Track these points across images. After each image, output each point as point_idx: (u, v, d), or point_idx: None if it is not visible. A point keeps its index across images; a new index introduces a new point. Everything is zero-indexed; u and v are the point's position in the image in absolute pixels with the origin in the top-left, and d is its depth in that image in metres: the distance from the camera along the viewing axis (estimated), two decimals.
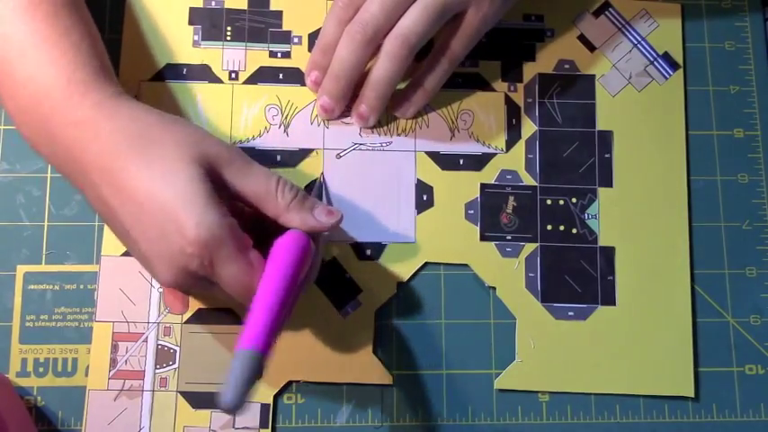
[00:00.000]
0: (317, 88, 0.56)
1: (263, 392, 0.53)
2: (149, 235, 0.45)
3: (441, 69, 0.55)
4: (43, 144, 0.48)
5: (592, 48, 0.60)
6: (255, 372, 0.41)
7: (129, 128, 0.46)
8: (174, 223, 0.44)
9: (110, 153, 0.45)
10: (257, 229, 0.48)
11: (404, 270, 0.56)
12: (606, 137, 0.59)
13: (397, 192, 0.56)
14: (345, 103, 0.56)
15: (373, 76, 0.54)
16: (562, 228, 0.57)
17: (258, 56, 0.58)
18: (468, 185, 0.57)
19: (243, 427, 0.53)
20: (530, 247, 0.57)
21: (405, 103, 0.56)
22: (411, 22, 0.52)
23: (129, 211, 0.45)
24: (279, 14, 0.59)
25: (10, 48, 0.47)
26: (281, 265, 0.45)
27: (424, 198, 0.57)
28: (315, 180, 0.56)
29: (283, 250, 0.46)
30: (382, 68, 0.53)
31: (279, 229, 0.48)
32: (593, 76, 0.60)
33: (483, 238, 0.56)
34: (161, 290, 0.54)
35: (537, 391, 0.55)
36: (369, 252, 0.56)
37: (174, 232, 0.44)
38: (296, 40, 0.59)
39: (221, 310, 0.54)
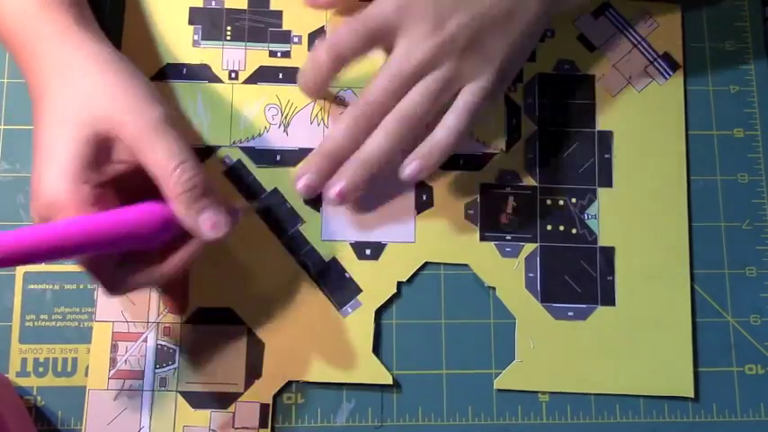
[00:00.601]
0: (307, 193, 0.54)
1: (263, 392, 0.53)
2: (33, 168, 0.45)
3: (445, 140, 0.52)
4: (18, 60, 0.49)
5: (592, 48, 0.60)
6: None
7: (64, 61, 0.46)
8: (35, 173, 0.44)
9: (47, 72, 0.47)
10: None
11: (404, 270, 0.56)
12: (606, 137, 0.59)
13: (397, 191, 0.56)
14: (326, 182, 0.53)
15: (367, 152, 0.51)
16: (562, 228, 0.57)
17: (258, 55, 0.58)
18: (468, 185, 0.57)
19: (242, 427, 0.53)
20: (529, 248, 0.57)
21: (408, 170, 0.52)
22: (412, 102, 0.51)
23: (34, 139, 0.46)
24: (279, 14, 0.59)
25: None
26: (112, 213, 0.43)
27: (424, 198, 0.57)
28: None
29: (131, 208, 0.44)
30: (378, 145, 0.51)
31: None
32: (593, 76, 0.60)
33: (483, 238, 0.56)
34: (161, 290, 0.54)
35: (537, 391, 0.55)
36: (369, 252, 0.56)
37: (33, 180, 0.44)
38: (296, 39, 0.59)
39: (221, 310, 0.54)
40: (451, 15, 0.50)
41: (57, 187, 0.43)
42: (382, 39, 0.52)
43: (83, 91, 0.45)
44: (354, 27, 0.51)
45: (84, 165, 0.44)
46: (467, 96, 0.52)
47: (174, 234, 0.45)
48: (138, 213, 0.44)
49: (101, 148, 0.45)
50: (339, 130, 0.52)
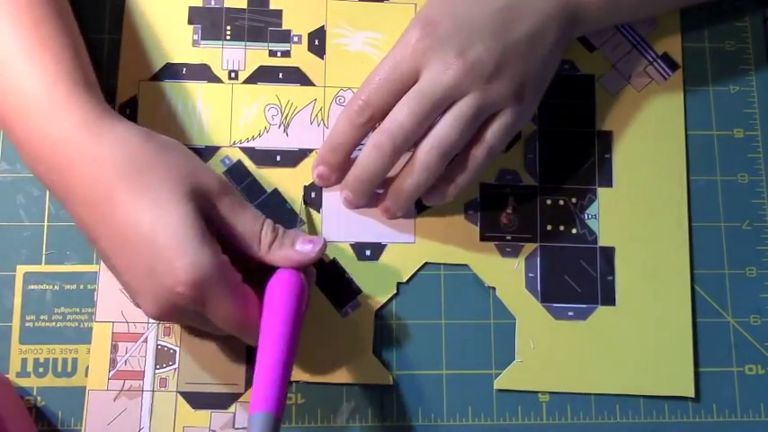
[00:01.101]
0: (322, 182, 0.55)
1: None
2: (136, 270, 0.44)
3: (476, 165, 0.52)
4: (27, 159, 0.46)
5: (591, 48, 0.60)
6: None
7: (117, 154, 0.44)
8: (164, 262, 0.43)
9: (95, 180, 0.44)
10: (241, 263, 0.48)
11: (404, 270, 0.56)
12: (606, 137, 0.59)
13: None
14: (368, 198, 0.55)
15: (404, 185, 0.52)
16: (562, 228, 0.57)
17: (258, 55, 0.58)
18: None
19: (242, 427, 0.53)
20: (529, 248, 0.57)
21: (436, 194, 0.54)
22: (444, 131, 0.50)
23: (114, 244, 0.44)
24: (278, 13, 0.59)
25: None
26: (281, 310, 0.46)
27: None
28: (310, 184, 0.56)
29: (279, 293, 0.46)
30: (415, 178, 0.52)
31: (263, 265, 0.48)
32: (593, 76, 0.60)
33: (483, 238, 0.56)
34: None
35: (537, 392, 0.55)
36: (369, 252, 0.56)
37: (164, 272, 0.43)
38: (295, 39, 0.59)
39: None
40: (475, 41, 0.50)
41: (201, 264, 0.43)
42: (411, 75, 0.51)
43: (172, 165, 0.45)
44: (383, 75, 0.51)
45: (209, 236, 0.45)
46: (485, 132, 0.51)
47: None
48: (289, 288, 0.47)
49: (204, 220, 0.45)
50: (368, 156, 0.52)
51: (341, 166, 0.54)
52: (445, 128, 0.50)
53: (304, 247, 0.49)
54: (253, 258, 0.48)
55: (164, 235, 0.43)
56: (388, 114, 0.52)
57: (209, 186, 0.46)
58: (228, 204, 0.47)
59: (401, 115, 0.50)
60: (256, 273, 0.48)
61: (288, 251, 0.48)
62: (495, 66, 0.50)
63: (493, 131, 0.51)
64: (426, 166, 0.51)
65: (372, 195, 0.55)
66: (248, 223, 0.47)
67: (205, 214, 0.45)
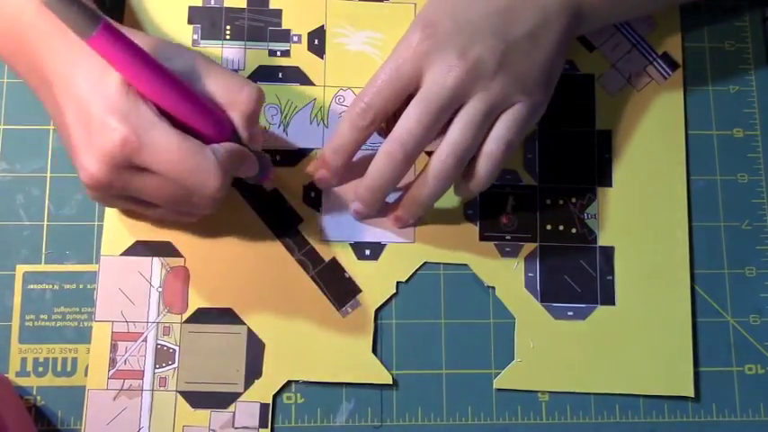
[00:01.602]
0: (323, 184, 0.55)
1: (263, 392, 0.53)
2: (80, 121, 0.44)
3: (495, 161, 0.51)
4: (13, 56, 0.49)
5: (591, 47, 0.60)
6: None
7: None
8: (99, 105, 0.44)
9: (66, 53, 0.45)
10: None
11: (403, 270, 0.56)
12: (605, 136, 0.59)
13: (397, 192, 0.56)
14: (379, 209, 0.55)
15: (419, 194, 0.52)
16: (562, 228, 0.57)
17: (257, 55, 0.58)
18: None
19: (242, 427, 0.53)
20: (529, 247, 0.57)
21: (458, 192, 0.54)
22: (456, 137, 0.50)
23: (69, 102, 0.45)
24: (278, 13, 0.59)
25: None
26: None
27: None
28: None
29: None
30: (431, 187, 0.51)
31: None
32: (593, 75, 0.60)
33: (482, 237, 0.56)
34: (160, 289, 0.54)
35: (536, 391, 0.55)
36: (368, 252, 0.56)
37: (98, 115, 0.43)
38: (295, 38, 0.59)
39: (221, 310, 0.54)
40: (476, 41, 0.50)
41: (141, 114, 0.43)
42: (413, 78, 0.51)
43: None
44: (385, 78, 0.51)
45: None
46: (500, 129, 0.51)
47: (228, 138, 0.47)
48: (211, 102, 0.47)
49: None
50: (379, 165, 0.51)
51: (342, 169, 0.54)
52: (456, 134, 0.50)
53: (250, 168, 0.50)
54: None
55: (104, 89, 0.44)
56: (389, 117, 0.52)
57: (166, 48, 0.46)
58: (194, 63, 0.47)
59: (409, 123, 0.50)
60: None
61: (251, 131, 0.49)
62: (498, 64, 0.50)
63: (508, 126, 0.51)
64: (441, 174, 0.51)
65: (382, 206, 0.55)
66: (224, 81, 0.47)
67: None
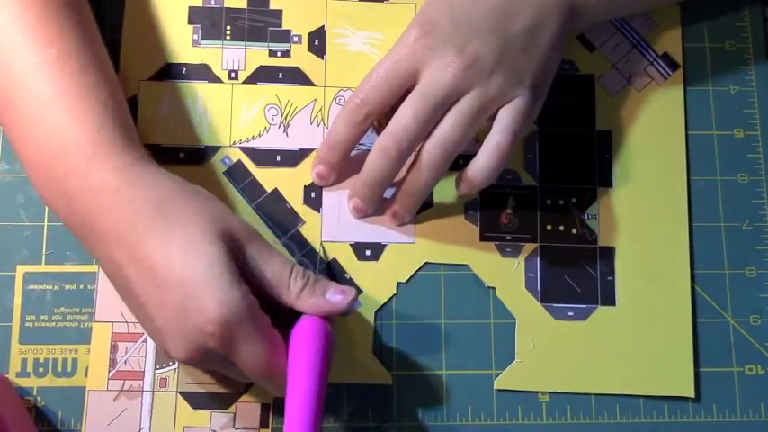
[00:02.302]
0: (321, 181, 0.55)
1: (263, 392, 0.53)
2: (167, 310, 0.43)
3: (502, 152, 0.51)
4: (58, 203, 0.47)
5: (591, 48, 0.60)
6: None
7: (151, 196, 0.45)
8: (195, 301, 0.42)
9: (129, 221, 0.44)
10: (270, 310, 0.47)
11: (403, 270, 0.56)
12: (606, 137, 0.59)
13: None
14: (377, 205, 0.55)
15: (411, 186, 0.53)
16: (562, 228, 0.57)
17: (258, 55, 0.58)
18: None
19: (242, 427, 0.53)
20: (529, 248, 0.57)
21: (464, 185, 0.52)
22: (446, 131, 0.50)
23: (146, 284, 0.44)
24: (278, 13, 0.59)
25: (32, 104, 0.45)
26: (309, 361, 0.45)
27: None
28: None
29: (306, 343, 0.46)
30: (422, 179, 0.52)
31: (291, 311, 0.48)
32: (593, 75, 0.60)
33: (483, 238, 0.56)
34: None
35: (537, 392, 0.55)
36: (368, 252, 0.55)
37: (194, 310, 0.43)
38: (295, 39, 0.59)
39: None
40: (473, 38, 0.50)
41: (231, 302, 0.43)
42: (409, 74, 0.51)
43: (203, 208, 0.45)
44: (381, 74, 0.51)
45: (239, 277, 0.44)
46: (505, 120, 0.51)
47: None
48: (311, 332, 0.46)
49: (234, 262, 0.45)
50: (374, 161, 0.52)
51: (339, 165, 0.54)
52: (446, 127, 0.50)
53: (335, 297, 0.48)
54: (281, 305, 0.48)
55: (195, 274, 0.43)
56: (385, 112, 0.52)
57: (238, 230, 0.46)
58: (257, 249, 0.46)
59: (405, 118, 0.50)
60: (283, 317, 0.48)
61: (318, 300, 0.47)
62: (496, 61, 0.50)
63: (513, 117, 0.51)
64: (430, 166, 0.51)
65: (380, 202, 0.55)
66: (277, 269, 0.47)
67: (236, 257, 0.45)
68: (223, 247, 0.44)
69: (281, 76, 0.58)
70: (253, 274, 0.46)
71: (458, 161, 0.57)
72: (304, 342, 0.46)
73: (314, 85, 0.58)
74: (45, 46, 0.46)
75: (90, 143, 0.45)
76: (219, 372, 0.50)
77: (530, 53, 0.51)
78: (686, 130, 0.59)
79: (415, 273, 0.56)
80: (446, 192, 0.56)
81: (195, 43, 0.58)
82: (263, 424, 0.53)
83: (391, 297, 0.55)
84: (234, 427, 0.53)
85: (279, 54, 0.58)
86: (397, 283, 0.55)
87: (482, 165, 0.51)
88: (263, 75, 0.58)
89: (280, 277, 0.47)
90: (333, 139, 0.53)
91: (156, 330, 0.45)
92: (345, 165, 0.54)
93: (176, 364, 0.53)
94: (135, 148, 0.47)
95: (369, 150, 0.52)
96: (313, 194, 0.56)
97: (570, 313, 0.56)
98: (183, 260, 0.43)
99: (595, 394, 0.55)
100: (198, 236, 0.44)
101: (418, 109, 0.50)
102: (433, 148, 0.51)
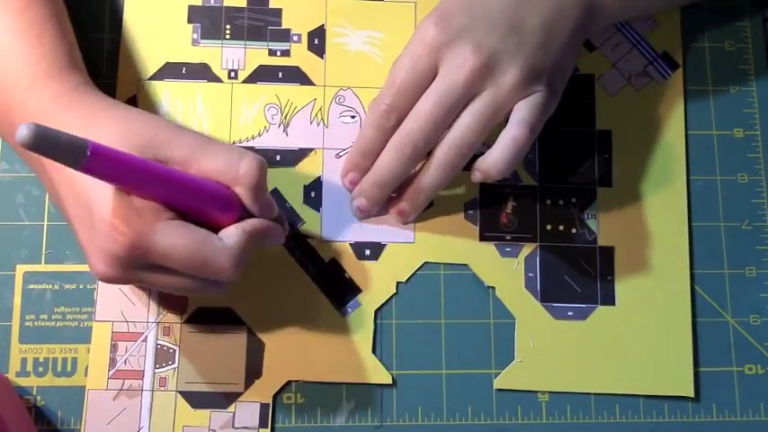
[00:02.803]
0: (353, 188, 0.55)
1: (263, 392, 0.53)
2: (85, 223, 0.44)
3: (519, 145, 0.50)
4: (6, 135, 0.49)
5: (591, 48, 0.60)
6: (66, 144, 0.38)
7: (80, 120, 0.46)
8: (100, 209, 0.43)
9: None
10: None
11: (403, 270, 0.56)
12: (606, 137, 0.59)
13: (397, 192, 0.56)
14: (382, 206, 0.55)
15: (423, 184, 0.52)
16: (562, 228, 0.57)
17: (257, 54, 0.58)
18: (467, 185, 0.57)
19: (242, 427, 0.53)
20: (529, 247, 0.57)
21: (480, 176, 0.52)
22: (462, 132, 0.50)
23: (71, 200, 0.45)
24: (278, 12, 0.59)
25: None
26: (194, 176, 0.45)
27: None
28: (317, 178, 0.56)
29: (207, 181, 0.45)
30: (435, 177, 0.52)
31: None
32: (593, 75, 0.60)
33: (482, 238, 0.56)
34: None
35: (536, 391, 0.55)
36: (368, 252, 0.55)
37: (100, 219, 0.43)
38: (295, 38, 0.59)
39: (221, 310, 0.54)
40: (489, 34, 0.50)
41: (144, 216, 0.42)
42: (430, 72, 0.51)
43: (118, 129, 0.45)
44: (404, 77, 0.51)
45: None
46: (522, 113, 0.50)
47: (239, 215, 0.47)
48: (214, 184, 0.45)
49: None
50: (388, 160, 0.52)
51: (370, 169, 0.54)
52: (462, 128, 0.50)
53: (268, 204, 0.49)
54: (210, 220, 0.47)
55: (101, 187, 0.43)
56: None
57: (158, 138, 0.45)
58: (191, 146, 0.45)
59: (420, 118, 0.50)
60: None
61: (261, 200, 0.47)
62: (512, 57, 0.50)
63: (530, 110, 0.50)
64: (445, 165, 0.51)
65: (384, 203, 0.55)
66: (221, 160, 0.45)
67: (159, 161, 0.45)
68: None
69: (280, 75, 0.58)
70: (195, 166, 0.45)
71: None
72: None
73: (314, 84, 0.58)
74: None
75: (28, 77, 0.47)
76: (151, 286, 0.49)
77: (546, 50, 0.51)
78: (686, 129, 0.59)
79: (415, 272, 0.56)
80: (446, 191, 0.56)
81: (195, 42, 0.58)
82: (263, 424, 0.53)
83: (391, 297, 0.55)
84: (233, 426, 0.53)
85: (278, 53, 0.58)
86: (397, 282, 0.55)
87: (497, 158, 0.50)
88: (262, 74, 0.58)
89: (228, 167, 0.45)
90: (364, 146, 0.53)
91: (83, 249, 0.45)
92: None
93: (176, 363, 0.53)
94: (74, 75, 0.48)
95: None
96: (312, 194, 0.56)
97: (570, 313, 0.56)
98: (88, 183, 0.43)
99: (595, 394, 0.55)
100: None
101: (433, 109, 0.50)
102: (448, 149, 0.50)
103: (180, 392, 0.53)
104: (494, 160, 0.50)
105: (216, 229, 0.46)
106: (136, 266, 0.44)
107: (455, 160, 0.51)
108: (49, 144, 0.37)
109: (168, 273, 0.45)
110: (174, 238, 0.43)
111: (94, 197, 0.43)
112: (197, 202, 0.45)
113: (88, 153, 0.38)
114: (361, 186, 0.54)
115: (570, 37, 0.52)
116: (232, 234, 0.45)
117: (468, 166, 0.52)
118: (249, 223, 0.47)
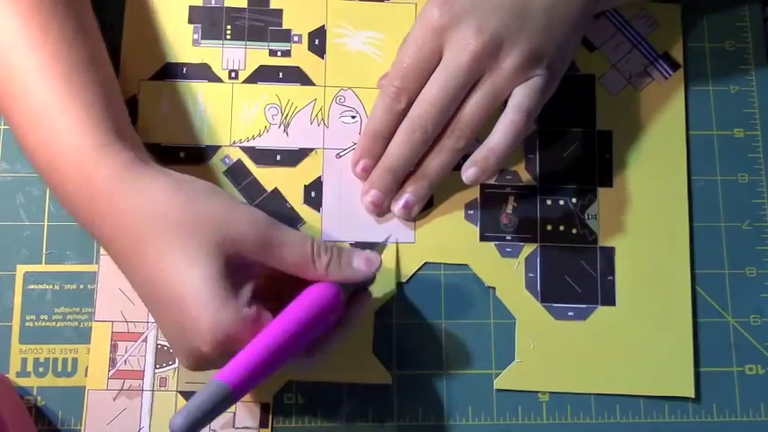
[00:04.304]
0: (365, 174, 0.55)
1: (263, 392, 0.53)
2: (168, 324, 0.44)
3: (516, 131, 0.51)
4: (65, 205, 0.47)
5: (592, 48, 0.60)
6: (217, 403, 0.40)
7: (145, 208, 0.44)
8: (189, 320, 0.42)
9: (126, 233, 0.44)
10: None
11: (404, 270, 0.56)
12: (606, 137, 0.59)
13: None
14: (393, 196, 0.55)
15: (427, 170, 0.53)
16: (562, 228, 0.57)
17: (258, 55, 0.58)
18: (467, 185, 0.57)
19: (243, 427, 0.53)
20: (529, 248, 0.57)
21: (475, 170, 0.51)
22: (465, 114, 0.51)
23: (147, 296, 0.45)
24: (279, 13, 0.59)
25: (25, 105, 0.45)
26: (294, 310, 0.45)
27: None
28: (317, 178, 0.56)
29: (304, 298, 0.46)
30: (438, 162, 0.53)
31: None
32: (593, 75, 0.60)
33: (483, 238, 0.56)
34: None
35: (537, 391, 0.55)
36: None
37: (190, 329, 0.43)
38: (296, 38, 0.59)
39: None
40: (493, 17, 0.50)
41: (223, 323, 0.42)
42: (435, 55, 0.52)
43: (200, 216, 0.44)
44: (410, 60, 0.52)
45: (235, 290, 0.44)
46: (519, 97, 0.51)
47: (344, 304, 0.48)
48: (315, 298, 0.46)
49: (236, 268, 0.44)
50: (398, 145, 0.53)
51: (381, 155, 0.54)
52: (465, 111, 0.51)
53: (360, 266, 0.48)
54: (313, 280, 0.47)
55: (187, 294, 0.42)
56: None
57: (240, 234, 0.44)
58: (266, 243, 0.45)
59: (427, 103, 0.51)
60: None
61: (345, 272, 0.47)
62: (515, 39, 0.50)
63: (528, 94, 0.51)
64: (449, 149, 0.52)
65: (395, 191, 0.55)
66: (295, 251, 0.46)
67: (239, 262, 0.44)
68: (218, 262, 0.43)
69: (281, 75, 0.58)
70: (275, 264, 0.46)
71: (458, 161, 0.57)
72: (302, 299, 0.46)
73: (314, 84, 0.58)
74: (34, 47, 0.45)
75: (77, 150, 0.44)
76: None
77: (549, 32, 0.51)
78: (686, 129, 0.59)
79: (415, 273, 0.56)
80: (446, 191, 0.56)
81: (195, 43, 0.58)
82: (263, 424, 0.53)
83: (391, 297, 0.55)
84: (234, 426, 0.53)
85: (279, 54, 0.58)
86: (398, 282, 0.55)
87: (496, 143, 0.50)
88: (263, 74, 0.58)
89: (302, 257, 0.46)
90: (374, 129, 0.54)
91: (166, 338, 0.46)
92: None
93: (176, 363, 0.53)
94: (121, 150, 0.45)
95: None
96: (313, 194, 0.56)
97: (570, 313, 0.56)
98: (176, 278, 0.43)
99: (595, 394, 0.55)
100: (193, 251, 0.43)
101: (439, 92, 0.51)
102: (451, 133, 0.52)
103: (180, 392, 0.53)
104: (492, 146, 0.50)
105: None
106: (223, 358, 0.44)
107: (458, 143, 0.52)
108: (202, 421, 0.40)
109: None
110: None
111: (178, 301, 0.43)
112: (318, 329, 0.46)
113: (231, 392, 0.41)
114: (371, 178, 0.54)
115: (573, 20, 0.52)
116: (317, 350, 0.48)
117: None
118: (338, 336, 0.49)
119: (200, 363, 0.44)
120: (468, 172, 0.51)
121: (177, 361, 0.45)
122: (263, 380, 0.43)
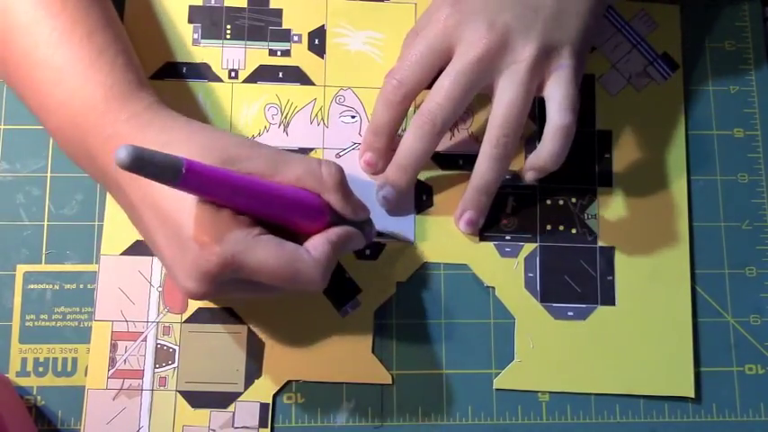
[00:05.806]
0: (370, 169, 0.55)
1: (263, 392, 0.53)
2: (172, 242, 0.44)
3: (562, 141, 0.51)
4: (82, 161, 0.49)
5: (591, 48, 0.60)
6: (166, 165, 0.39)
7: (158, 139, 0.45)
8: (190, 227, 0.43)
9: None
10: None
11: (403, 270, 0.56)
12: (606, 137, 0.59)
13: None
14: (409, 191, 0.55)
15: (480, 182, 0.53)
16: (562, 228, 0.57)
17: (258, 54, 0.58)
18: (467, 185, 0.57)
19: (242, 427, 0.53)
20: (529, 247, 0.57)
21: (534, 174, 0.53)
22: (503, 118, 0.50)
23: (154, 220, 0.45)
24: (278, 12, 0.59)
25: (48, 72, 0.47)
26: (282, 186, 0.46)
27: (424, 198, 0.57)
28: None
29: (296, 189, 0.46)
30: (490, 172, 0.52)
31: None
32: (593, 75, 0.60)
33: (482, 238, 0.56)
34: (160, 289, 0.54)
35: (536, 391, 0.55)
36: (368, 252, 0.55)
37: (189, 238, 0.43)
38: (296, 38, 0.59)
39: (221, 310, 0.54)
40: (502, 10, 0.50)
41: (231, 236, 0.43)
42: (444, 52, 0.51)
43: (198, 145, 0.45)
44: (416, 55, 0.52)
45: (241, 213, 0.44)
46: (555, 97, 0.51)
47: (328, 221, 0.48)
48: (303, 193, 0.46)
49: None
50: (408, 139, 0.52)
51: (385, 150, 0.54)
52: (499, 117, 0.51)
53: (357, 206, 0.49)
54: (291, 229, 0.47)
55: (192, 206, 0.43)
56: (422, 91, 0.52)
57: (240, 153, 0.45)
58: (264, 161, 0.46)
59: (439, 96, 0.51)
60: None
61: (347, 201, 0.48)
62: (528, 33, 0.50)
63: (562, 92, 0.51)
64: (497, 156, 0.51)
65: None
66: (301, 167, 0.46)
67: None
68: None
69: (281, 75, 0.58)
70: (279, 177, 0.46)
71: (457, 161, 0.57)
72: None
73: (314, 84, 0.58)
74: (53, 16, 0.47)
75: (103, 101, 0.47)
76: (242, 296, 0.50)
77: (563, 21, 0.51)
78: (686, 129, 0.59)
79: (415, 272, 0.56)
80: (446, 192, 0.57)
81: (195, 42, 0.58)
82: (263, 423, 0.53)
83: (391, 297, 0.55)
84: (233, 426, 0.53)
85: (279, 53, 0.58)
86: (397, 282, 0.55)
87: (549, 151, 0.51)
88: (263, 74, 0.58)
89: (308, 173, 0.46)
90: (375, 123, 0.54)
91: (168, 265, 0.46)
92: (392, 149, 0.54)
93: (176, 362, 0.53)
94: (144, 96, 0.48)
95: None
96: None
97: (570, 313, 0.56)
98: (182, 193, 0.43)
99: (595, 394, 0.55)
100: None
101: (451, 87, 0.50)
102: (497, 140, 0.51)
103: (180, 392, 0.53)
104: (547, 154, 0.51)
105: (301, 237, 0.47)
106: (225, 282, 0.44)
107: (504, 150, 0.51)
108: (147, 164, 0.38)
109: (256, 285, 0.45)
110: (265, 254, 0.44)
111: (182, 216, 0.43)
112: (289, 212, 0.46)
113: (184, 170, 0.40)
114: (385, 174, 0.54)
115: (587, 11, 0.52)
116: (319, 246, 0.46)
117: (470, 166, 0.52)
118: (333, 233, 0.47)
119: (205, 276, 0.43)
120: (528, 175, 0.53)
121: (186, 289, 0.45)
122: (217, 199, 0.43)
